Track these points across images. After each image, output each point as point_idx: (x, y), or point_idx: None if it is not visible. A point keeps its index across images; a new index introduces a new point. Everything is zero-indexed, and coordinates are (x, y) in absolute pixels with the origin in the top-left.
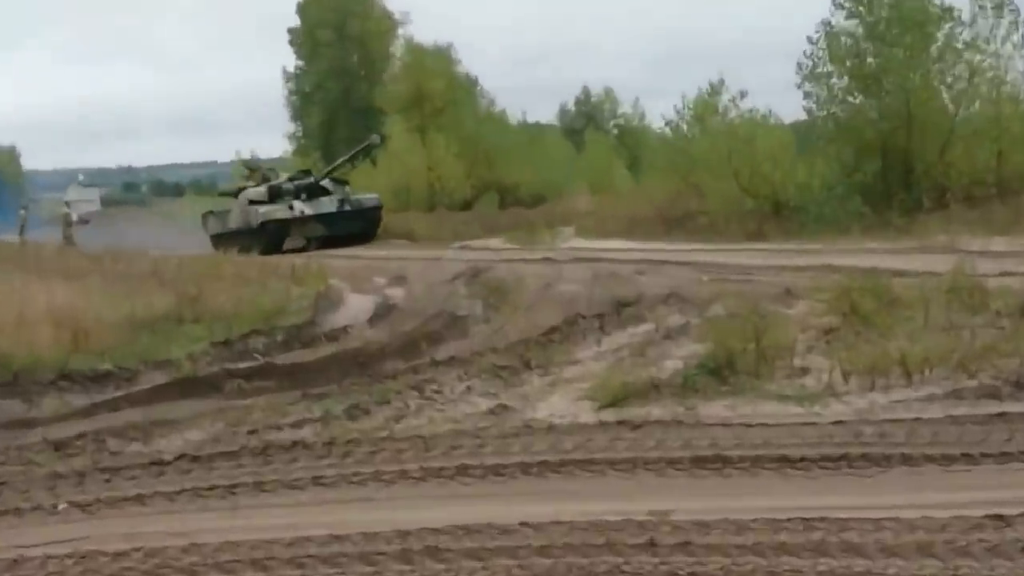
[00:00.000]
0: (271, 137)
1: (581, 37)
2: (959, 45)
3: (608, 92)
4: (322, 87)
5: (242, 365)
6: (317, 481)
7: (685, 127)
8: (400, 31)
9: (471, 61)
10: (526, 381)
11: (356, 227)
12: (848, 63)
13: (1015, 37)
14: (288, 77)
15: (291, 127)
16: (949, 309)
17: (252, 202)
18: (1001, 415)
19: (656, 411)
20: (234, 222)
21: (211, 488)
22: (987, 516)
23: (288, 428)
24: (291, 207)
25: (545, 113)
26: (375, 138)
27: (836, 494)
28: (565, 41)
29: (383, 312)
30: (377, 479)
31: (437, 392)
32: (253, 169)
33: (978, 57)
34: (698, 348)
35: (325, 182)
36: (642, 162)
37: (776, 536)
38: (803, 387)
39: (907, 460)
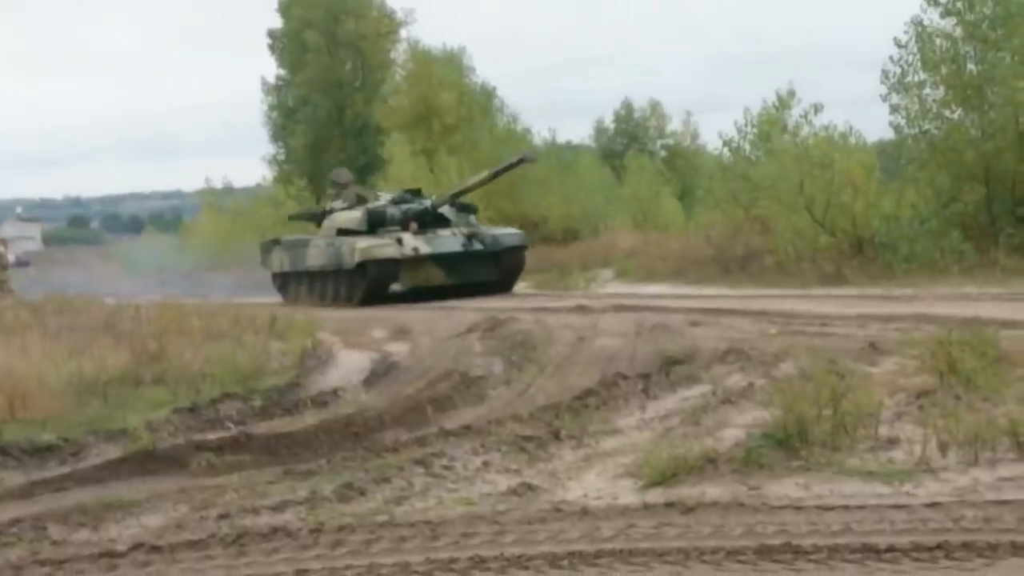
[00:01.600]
0: (247, 161)
1: (621, 40)
2: None
3: (654, 106)
4: (309, 101)
5: (212, 436)
6: None
7: (748, 148)
8: (403, 33)
9: (488, 69)
10: (555, 455)
11: (488, 273)
12: (944, 70)
13: None
14: (268, 89)
15: (271, 149)
16: None
17: (343, 232)
18: None
19: (713, 491)
20: (315, 259)
21: None
22: None
23: (267, 512)
24: (399, 241)
25: (578, 132)
26: (529, 154)
27: None
28: (602, 45)
29: (382, 372)
30: (373, 573)
31: (447, 468)
32: (342, 185)
33: None
34: (764, 415)
35: (445, 208)
36: (696, 190)
37: None
38: (891, 462)
39: (1018, 550)
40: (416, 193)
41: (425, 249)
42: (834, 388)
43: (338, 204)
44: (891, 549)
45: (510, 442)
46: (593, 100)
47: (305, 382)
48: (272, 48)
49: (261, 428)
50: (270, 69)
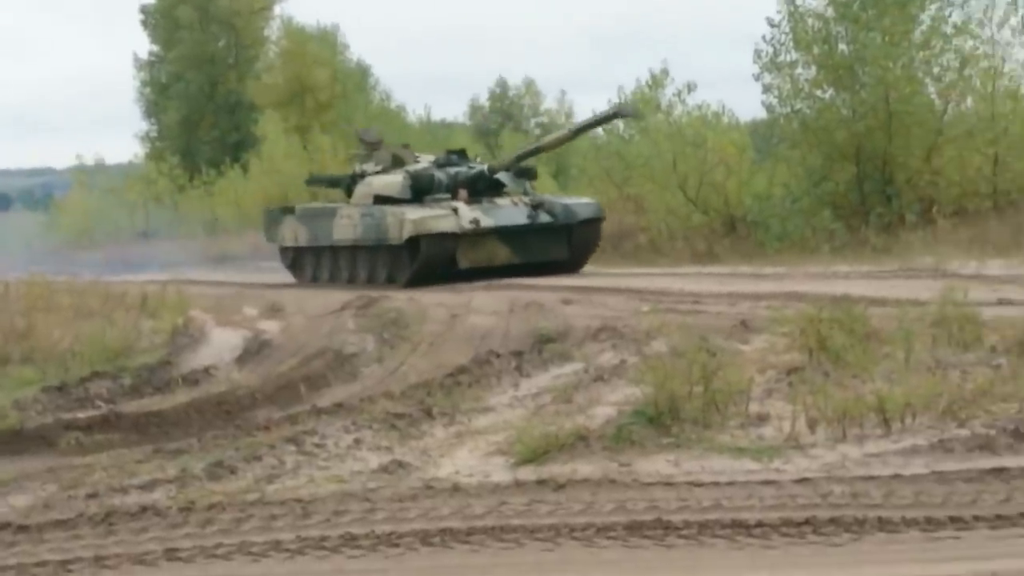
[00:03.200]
0: (119, 138)
1: (496, 18)
2: (948, 29)
3: (529, 84)
4: (182, 78)
5: (81, 415)
6: (171, 555)
7: (621, 127)
8: (277, 10)
9: (362, 46)
10: (427, 432)
11: (559, 251)
12: (816, 50)
13: (1013, 20)
14: (140, 65)
15: (144, 126)
16: (936, 345)
17: (381, 199)
18: (996, 471)
19: (584, 468)
20: (345, 231)
21: (41, 564)
22: None
23: (136, 491)
24: (455, 210)
25: (453, 110)
26: (627, 107)
27: (799, 566)
28: (477, 23)
29: (254, 350)
30: (244, 552)
31: (319, 446)
32: (372, 144)
33: (970, 43)
34: (635, 392)
35: (502, 173)
36: (570, 169)
37: None
38: (761, 438)
39: (884, 525)
40: (461, 155)
41: (487, 222)
42: (705, 365)
43: (370, 167)
44: (760, 525)
45: (382, 420)
46: (468, 78)
47: (176, 360)
48: (145, 24)
49: (131, 407)
50: (143, 45)
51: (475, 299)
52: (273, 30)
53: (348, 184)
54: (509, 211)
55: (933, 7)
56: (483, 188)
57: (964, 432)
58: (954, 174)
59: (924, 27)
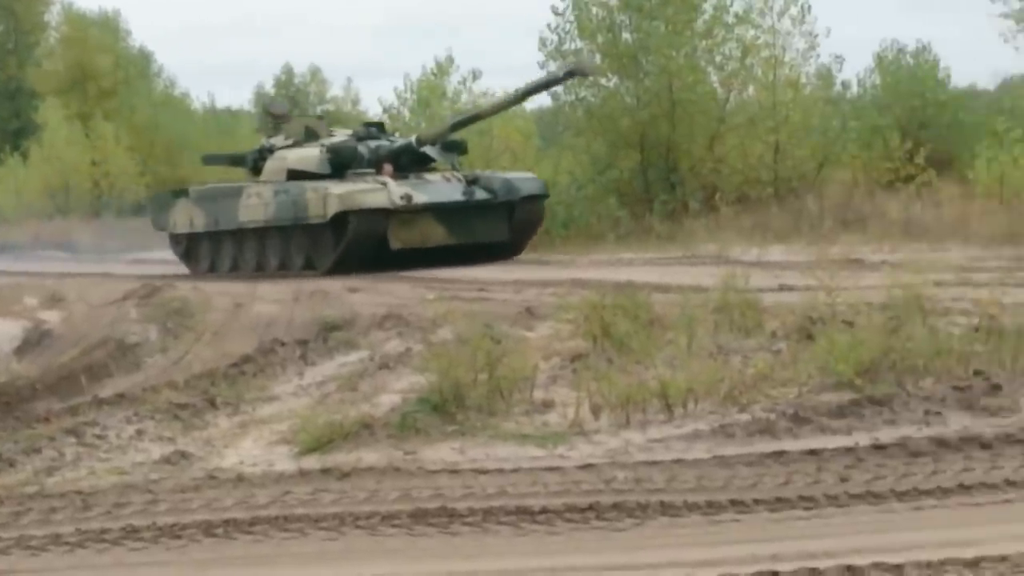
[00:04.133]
0: None
1: (282, 4)
2: (730, 19)
3: (314, 72)
4: None
5: None
6: None
7: (407, 114)
8: None
9: (145, 32)
10: (211, 423)
11: (498, 231)
12: (600, 39)
13: (793, 10)
14: None
15: None
16: (718, 331)
17: (296, 175)
18: (776, 454)
19: (369, 456)
20: (254, 212)
21: None
22: (759, 573)
23: None
24: (384, 185)
25: (238, 97)
26: (584, 64)
27: (583, 551)
28: (263, 10)
29: (34, 340)
30: (23, 546)
31: (100, 437)
32: (280, 116)
33: (752, 33)
34: (421, 380)
35: (428, 147)
36: None
37: None
38: (545, 425)
39: (667, 509)
40: (379, 128)
41: (420, 198)
42: (490, 353)
43: (279, 141)
44: (545, 511)
45: (165, 410)
46: (253, 65)
47: None
48: None
49: None
50: None
51: (260, 287)
52: (54, 16)
53: (255, 161)
54: (442, 187)
55: None
56: (408, 163)
57: (745, 417)
58: (736, 162)
59: (707, 16)
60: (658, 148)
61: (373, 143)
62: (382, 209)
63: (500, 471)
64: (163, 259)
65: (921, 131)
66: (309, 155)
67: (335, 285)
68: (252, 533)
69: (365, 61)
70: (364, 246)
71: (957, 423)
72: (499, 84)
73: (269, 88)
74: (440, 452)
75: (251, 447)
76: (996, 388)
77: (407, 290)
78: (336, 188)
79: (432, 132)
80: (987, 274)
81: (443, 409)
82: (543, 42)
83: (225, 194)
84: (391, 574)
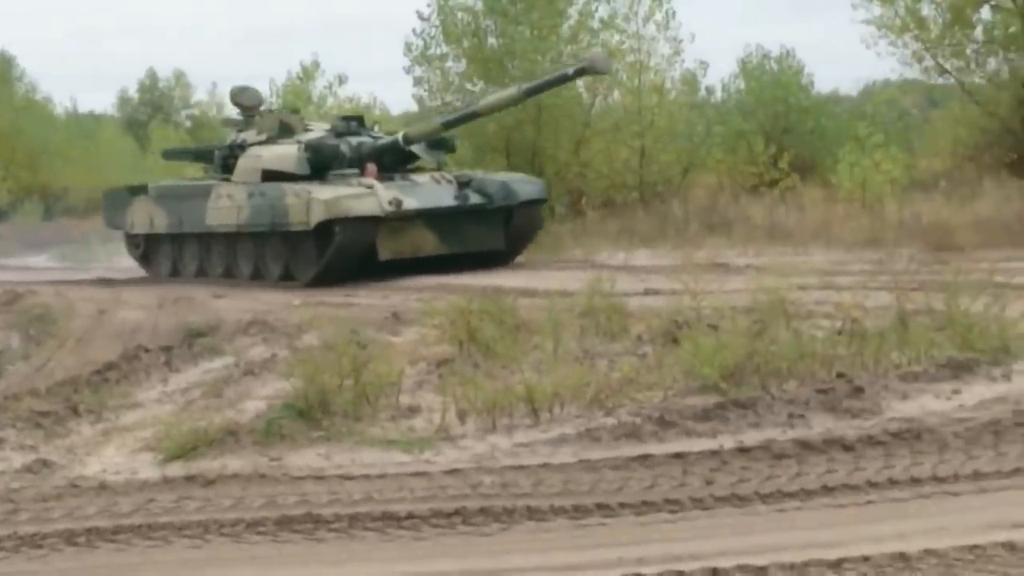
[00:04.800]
0: None
1: (145, 8)
2: (595, 24)
3: (179, 76)
4: None
5: None
6: None
7: None
8: None
9: (5, 35)
10: (73, 430)
11: (494, 239)
12: (466, 43)
13: (658, 15)
14: None
15: None
16: (584, 335)
17: (272, 175)
18: (642, 458)
19: (233, 463)
20: (225, 215)
21: None
22: None
23: None
24: (370, 188)
25: (101, 102)
26: (599, 61)
27: (449, 556)
28: (126, 13)
29: None
30: None
31: None
32: (250, 108)
33: (617, 38)
34: (286, 386)
35: (417, 146)
36: None
37: None
38: (412, 430)
39: (533, 514)
40: (359, 122)
41: (410, 203)
42: (355, 358)
43: (251, 136)
44: (411, 516)
45: (26, 418)
46: (117, 70)
47: None
48: None
49: None
50: None
51: (124, 293)
52: None
53: (224, 157)
54: (432, 190)
55: (580, 2)
56: (391, 162)
57: (611, 420)
58: (602, 166)
59: (572, 22)
60: (524, 153)
61: (354, 140)
62: (371, 217)
63: (366, 477)
64: (24, 265)
65: (785, 136)
66: (286, 153)
67: (200, 291)
68: (115, 542)
69: (230, 64)
70: (350, 256)
71: (820, 425)
72: (366, 89)
73: (133, 93)
74: (306, 458)
75: (114, 455)
76: (858, 390)
77: (274, 296)
78: (320, 193)
79: (421, 130)
80: (850, 277)
81: (309, 415)
82: (408, 47)
83: (191, 193)
84: None
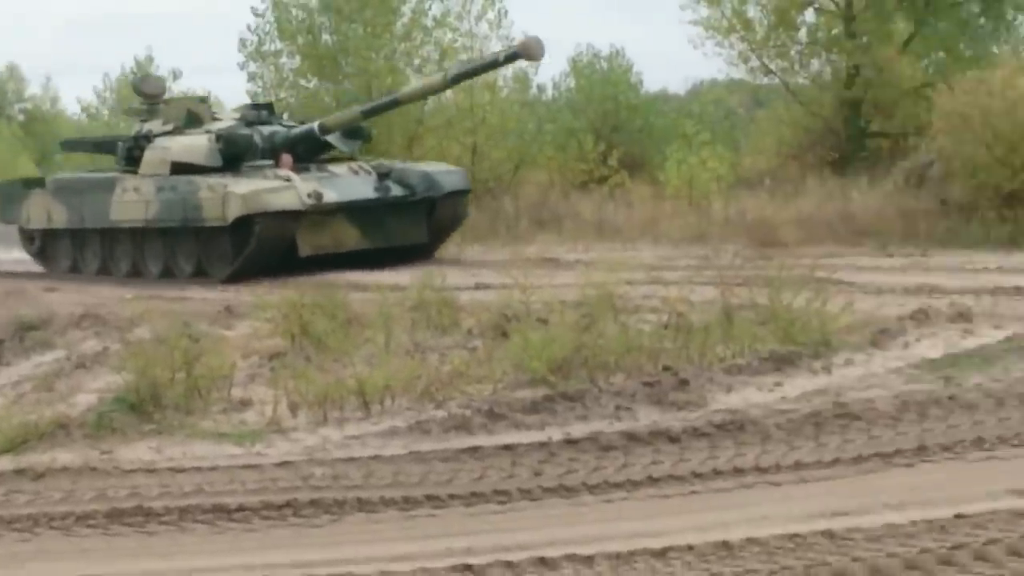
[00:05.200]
0: None
1: None
2: (428, 22)
3: (12, 70)
4: None
5: None
6: None
7: (107, 112)
8: None
9: None
10: None
11: (417, 232)
12: (301, 40)
13: (491, 14)
14: None
15: None
16: (415, 329)
17: (182, 166)
18: (471, 450)
19: (64, 456)
20: (132, 210)
21: None
22: (454, 567)
23: None
24: (288, 181)
25: None
26: (533, 46)
27: (280, 548)
28: None
29: None
30: None
31: None
32: (152, 97)
33: (450, 36)
34: (117, 379)
35: (332, 135)
36: (55, 154)
37: None
38: (243, 423)
39: (364, 505)
40: (268, 109)
41: (330, 196)
42: (187, 351)
43: (157, 126)
44: (241, 508)
45: None
46: None
47: None
48: None
49: None
50: None
51: None
52: None
53: (129, 149)
54: (352, 182)
55: (413, 0)
56: (304, 151)
57: (441, 413)
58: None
59: (405, 20)
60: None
61: (266, 129)
62: (290, 211)
63: (197, 469)
64: None
65: (614, 134)
66: (196, 144)
67: (31, 285)
68: None
69: (64, 58)
70: (270, 253)
71: (647, 417)
72: (201, 83)
73: None
74: (137, 451)
75: None
76: (684, 383)
77: (106, 290)
78: (237, 186)
79: (339, 119)
80: (676, 273)
81: (140, 408)
82: (243, 43)
83: (93, 186)
84: (86, 575)
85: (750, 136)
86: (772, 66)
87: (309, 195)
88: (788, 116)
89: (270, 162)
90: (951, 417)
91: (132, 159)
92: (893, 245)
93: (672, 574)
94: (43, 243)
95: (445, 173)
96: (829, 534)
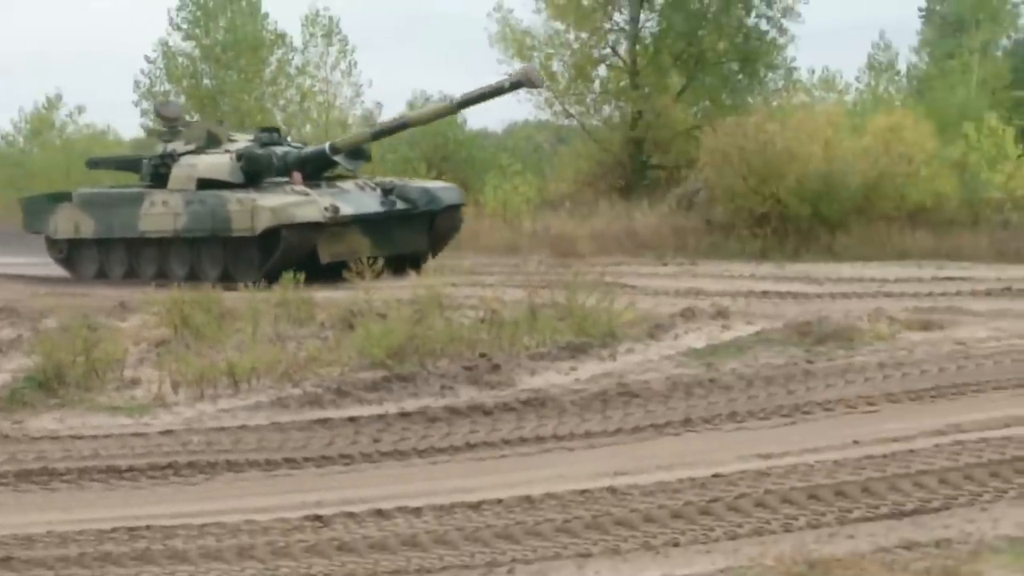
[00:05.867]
0: None
1: None
2: (291, 70)
3: None
4: None
5: None
6: None
7: (22, 141)
8: None
9: None
10: None
11: (419, 242)
12: (185, 83)
13: (343, 64)
14: None
15: None
16: (278, 321)
17: (206, 183)
18: (323, 421)
19: None
20: (162, 221)
21: None
22: (306, 517)
23: None
24: (307, 195)
25: None
26: (533, 75)
27: (162, 503)
28: None
29: None
30: None
31: None
32: (172, 119)
33: (309, 82)
34: (28, 362)
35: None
36: None
37: (101, 547)
38: (134, 398)
39: (232, 467)
40: (276, 132)
41: (346, 209)
42: (87, 339)
43: (180, 146)
44: (131, 469)
45: None
46: None
47: None
48: None
49: None
50: None
51: None
52: None
53: (155, 166)
54: (361, 197)
55: (279, 52)
56: (313, 170)
57: (298, 391)
58: None
59: (272, 68)
60: None
61: (280, 149)
62: (312, 222)
63: (94, 437)
64: None
65: (443, 163)
66: (220, 162)
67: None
68: None
69: None
70: (295, 260)
71: (466, 395)
72: (102, 117)
73: None
74: (43, 422)
75: None
76: (496, 367)
77: (21, 286)
78: (264, 200)
79: (350, 140)
80: (492, 277)
81: (47, 386)
82: (137, 84)
83: (120, 200)
84: None
85: (554, 166)
86: (572, 110)
87: (327, 208)
88: (584, 151)
89: (286, 179)
90: (711, 396)
91: (158, 175)
92: (668, 256)
93: (485, 522)
94: (69, 251)
95: (443, 189)
96: (612, 489)
